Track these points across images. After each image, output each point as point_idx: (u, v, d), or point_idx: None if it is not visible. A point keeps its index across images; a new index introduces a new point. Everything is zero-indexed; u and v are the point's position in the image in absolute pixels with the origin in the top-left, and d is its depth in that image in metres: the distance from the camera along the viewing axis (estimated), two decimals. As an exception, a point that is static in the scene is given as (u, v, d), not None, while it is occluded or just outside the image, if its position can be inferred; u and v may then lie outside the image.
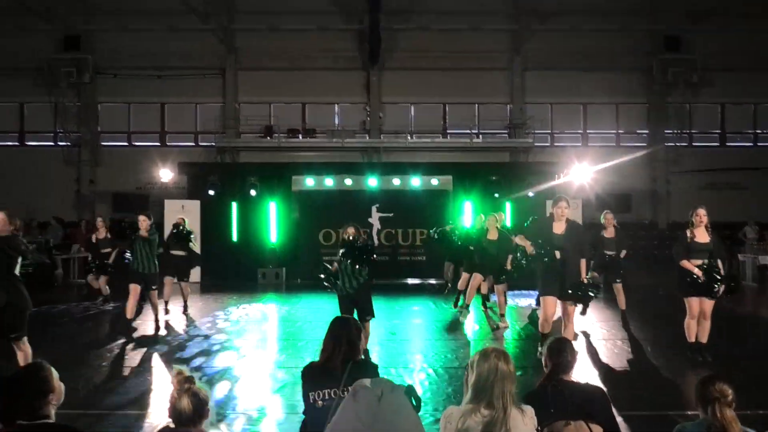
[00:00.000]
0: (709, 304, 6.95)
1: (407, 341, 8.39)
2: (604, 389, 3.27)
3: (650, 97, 22.87)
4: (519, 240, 7.26)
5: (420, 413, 2.13)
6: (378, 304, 11.26)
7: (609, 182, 19.98)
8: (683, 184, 22.53)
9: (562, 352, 3.12)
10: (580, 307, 8.38)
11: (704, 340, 7.07)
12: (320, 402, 3.01)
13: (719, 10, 21.30)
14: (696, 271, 6.81)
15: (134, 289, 8.70)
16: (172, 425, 2.51)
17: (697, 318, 6.99)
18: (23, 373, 2.59)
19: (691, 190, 22.38)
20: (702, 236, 6.97)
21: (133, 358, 7.34)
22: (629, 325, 9.16)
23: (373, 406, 2.01)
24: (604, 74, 22.34)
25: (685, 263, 6.89)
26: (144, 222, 8.82)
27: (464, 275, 10.36)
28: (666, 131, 22.70)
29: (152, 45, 21.53)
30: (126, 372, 6.73)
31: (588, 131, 23.15)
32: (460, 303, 10.43)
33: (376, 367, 3.15)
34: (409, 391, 2.15)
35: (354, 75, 22.30)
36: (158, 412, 5.11)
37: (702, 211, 7.01)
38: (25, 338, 5.75)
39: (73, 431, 2.51)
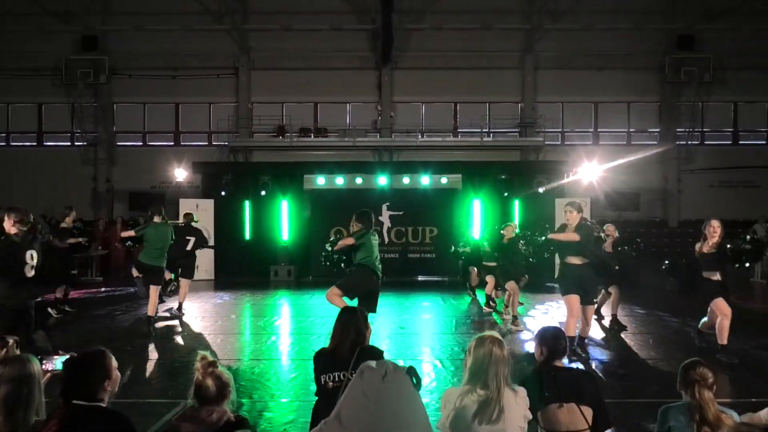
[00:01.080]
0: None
1: (415, 335, 8.60)
2: (593, 375, 3.47)
3: (662, 96, 22.88)
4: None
5: (424, 396, 2.36)
6: (388, 300, 11.54)
7: (619, 181, 20.07)
8: (695, 182, 22.58)
9: (556, 340, 3.32)
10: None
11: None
12: (331, 383, 3.26)
13: (733, 9, 21.30)
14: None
15: (154, 290, 8.60)
16: (197, 405, 2.74)
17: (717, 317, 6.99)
18: (87, 358, 2.78)
19: (703, 188, 22.43)
20: (711, 248, 6.93)
21: (151, 350, 7.62)
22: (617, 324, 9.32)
23: (378, 384, 2.22)
24: (617, 73, 22.40)
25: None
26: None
27: (489, 280, 10.56)
28: (678, 130, 22.70)
29: (167, 45, 21.87)
30: (145, 363, 7.01)
31: (599, 130, 23.20)
32: (498, 305, 10.60)
33: (381, 352, 3.37)
34: (410, 371, 2.36)
35: (366, 74, 22.51)
36: (180, 396, 5.37)
37: (716, 223, 6.95)
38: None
39: (122, 417, 2.70)
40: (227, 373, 2.80)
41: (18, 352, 3.21)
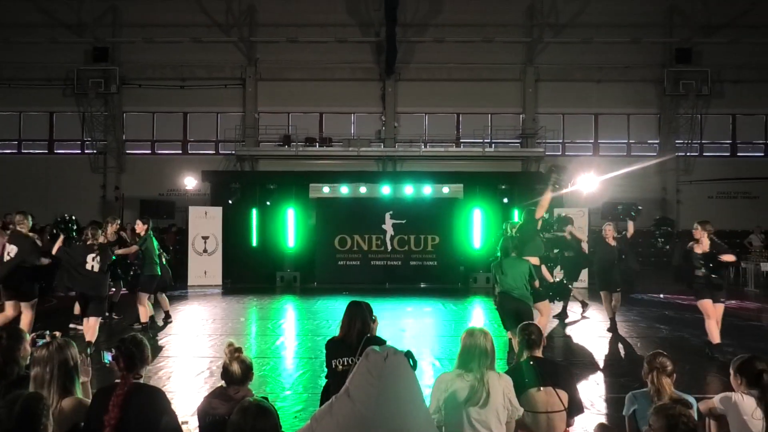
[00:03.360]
0: (720, 307, 7.50)
1: (416, 337, 9.00)
2: (569, 365, 3.91)
3: (662, 108, 23.29)
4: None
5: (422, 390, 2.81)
6: (391, 305, 11.96)
7: (618, 191, 20.46)
8: (693, 193, 22.94)
9: (524, 332, 3.77)
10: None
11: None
12: (340, 367, 3.71)
13: (731, 23, 21.80)
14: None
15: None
16: (225, 385, 3.19)
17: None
18: (135, 340, 3.22)
19: (702, 199, 22.79)
20: (701, 248, 7.52)
21: (168, 348, 8.05)
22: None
23: (381, 363, 2.63)
24: (616, 85, 22.84)
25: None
26: (138, 226, 9.50)
27: None
28: (677, 141, 23.10)
29: (176, 56, 22.43)
30: (166, 360, 7.44)
31: (599, 141, 23.62)
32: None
33: (385, 341, 3.79)
34: (408, 354, 2.78)
35: (370, 85, 23.00)
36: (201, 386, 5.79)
37: (697, 226, 7.61)
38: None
39: (161, 392, 3.12)
40: (250, 359, 3.25)
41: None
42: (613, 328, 9.17)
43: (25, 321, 7.56)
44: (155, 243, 9.43)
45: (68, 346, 3.15)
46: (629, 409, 3.34)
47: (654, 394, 3.21)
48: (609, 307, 9.30)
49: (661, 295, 14.20)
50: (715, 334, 7.44)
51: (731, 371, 3.44)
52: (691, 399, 3.29)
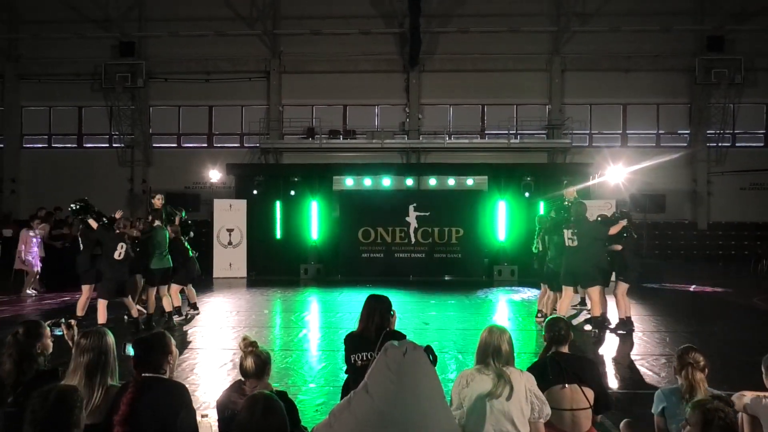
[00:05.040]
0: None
1: (440, 330, 8.93)
2: (595, 361, 3.79)
3: (692, 98, 22.75)
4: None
5: (444, 385, 2.73)
6: (414, 298, 11.90)
7: (646, 183, 20.07)
8: (725, 184, 22.39)
9: (553, 327, 3.65)
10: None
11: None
12: (359, 362, 3.66)
13: (765, 9, 21.15)
14: None
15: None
16: (243, 379, 3.17)
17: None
18: (151, 337, 3.20)
19: (734, 190, 22.24)
20: None
21: (194, 342, 8.11)
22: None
23: (400, 359, 2.57)
24: (645, 75, 22.36)
25: None
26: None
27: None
28: (708, 132, 22.55)
29: (201, 50, 22.58)
30: (190, 353, 7.49)
31: (627, 132, 23.18)
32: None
33: (404, 336, 3.73)
34: (428, 349, 2.72)
35: (394, 77, 22.88)
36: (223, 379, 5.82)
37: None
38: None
39: (181, 386, 3.11)
40: (267, 352, 3.21)
41: (76, 330, 3.66)
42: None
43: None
44: (167, 236, 9.37)
45: (107, 335, 3.17)
46: (658, 406, 3.23)
47: (686, 391, 3.10)
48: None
49: (692, 287, 13.94)
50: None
51: (762, 369, 3.31)
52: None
